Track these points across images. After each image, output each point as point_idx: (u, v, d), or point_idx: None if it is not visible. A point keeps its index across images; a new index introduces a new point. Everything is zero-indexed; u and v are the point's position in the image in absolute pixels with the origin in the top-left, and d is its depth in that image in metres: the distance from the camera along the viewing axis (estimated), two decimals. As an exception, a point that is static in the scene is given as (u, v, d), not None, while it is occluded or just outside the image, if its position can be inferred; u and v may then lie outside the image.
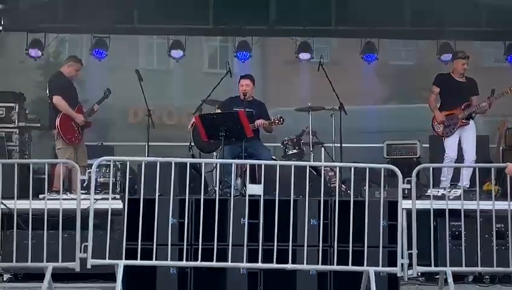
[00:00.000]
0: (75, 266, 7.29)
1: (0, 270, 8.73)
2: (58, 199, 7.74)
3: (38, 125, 10.34)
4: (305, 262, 7.29)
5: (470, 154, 9.66)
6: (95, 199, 7.49)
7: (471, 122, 9.86)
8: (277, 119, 9.53)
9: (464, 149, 9.78)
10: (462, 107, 9.81)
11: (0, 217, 7.87)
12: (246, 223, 7.48)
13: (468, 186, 8.72)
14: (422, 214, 7.68)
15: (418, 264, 7.42)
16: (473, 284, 8.69)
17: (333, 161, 10.22)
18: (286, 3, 11.35)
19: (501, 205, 7.71)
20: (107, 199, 7.89)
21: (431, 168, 8.42)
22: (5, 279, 8.86)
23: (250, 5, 11.37)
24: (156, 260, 7.31)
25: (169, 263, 7.40)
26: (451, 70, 10.10)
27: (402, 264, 7.32)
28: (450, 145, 9.82)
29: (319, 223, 7.64)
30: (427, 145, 11.41)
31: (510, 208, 7.48)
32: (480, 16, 11.26)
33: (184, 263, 7.41)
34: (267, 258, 7.29)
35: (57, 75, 9.95)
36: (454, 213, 7.77)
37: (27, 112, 10.39)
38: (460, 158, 9.81)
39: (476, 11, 11.05)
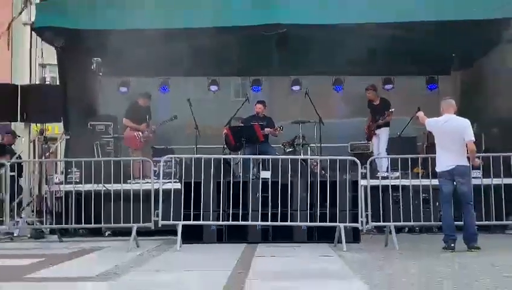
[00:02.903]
0: (151, 225, 7.58)
1: (104, 229, 9.24)
2: (139, 183, 8.19)
3: (123, 136, 10.72)
4: (298, 220, 7.49)
5: (382, 149, 10.27)
6: (163, 182, 7.66)
7: (382, 129, 10.24)
8: (279, 128, 9.77)
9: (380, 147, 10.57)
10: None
11: (102, 195, 8.18)
12: (260, 197, 7.54)
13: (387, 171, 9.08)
14: (374, 188, 7.97)
15: (372, 221, 7.58)
16: (407, 233, 8.77)
17: (316, 156, 10.16)
18: (285, 57, 11.47)
19: (425, 182, 8.17)
20: (170, 182, 8.01)
21: (376, 159, 9.39)
22: (106, 235, 9.42)
23: (262, 58, 11.56)
24: (202, 220, 7.51)
25: (211, 222, 7.64)
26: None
27: (361, 221, 7.50)
28: (373, 145, 10.63)
29: (307, 195, 7.71)
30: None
31: (431, 183, 7.93)
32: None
33: (220, 222, 7.61)
34: (274, 219, 7.36)
35: (131, 104, 10.56)
36: (395, 188, 8.23)
37: (118, 127, 10.80)
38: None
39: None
